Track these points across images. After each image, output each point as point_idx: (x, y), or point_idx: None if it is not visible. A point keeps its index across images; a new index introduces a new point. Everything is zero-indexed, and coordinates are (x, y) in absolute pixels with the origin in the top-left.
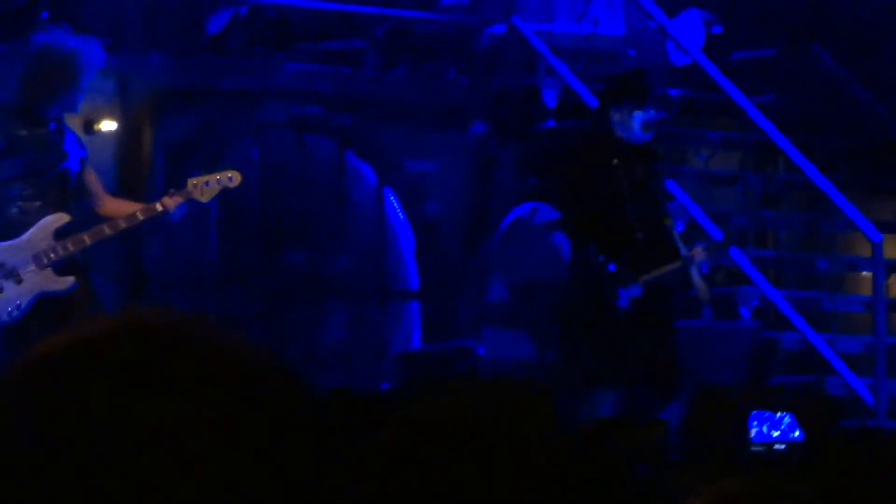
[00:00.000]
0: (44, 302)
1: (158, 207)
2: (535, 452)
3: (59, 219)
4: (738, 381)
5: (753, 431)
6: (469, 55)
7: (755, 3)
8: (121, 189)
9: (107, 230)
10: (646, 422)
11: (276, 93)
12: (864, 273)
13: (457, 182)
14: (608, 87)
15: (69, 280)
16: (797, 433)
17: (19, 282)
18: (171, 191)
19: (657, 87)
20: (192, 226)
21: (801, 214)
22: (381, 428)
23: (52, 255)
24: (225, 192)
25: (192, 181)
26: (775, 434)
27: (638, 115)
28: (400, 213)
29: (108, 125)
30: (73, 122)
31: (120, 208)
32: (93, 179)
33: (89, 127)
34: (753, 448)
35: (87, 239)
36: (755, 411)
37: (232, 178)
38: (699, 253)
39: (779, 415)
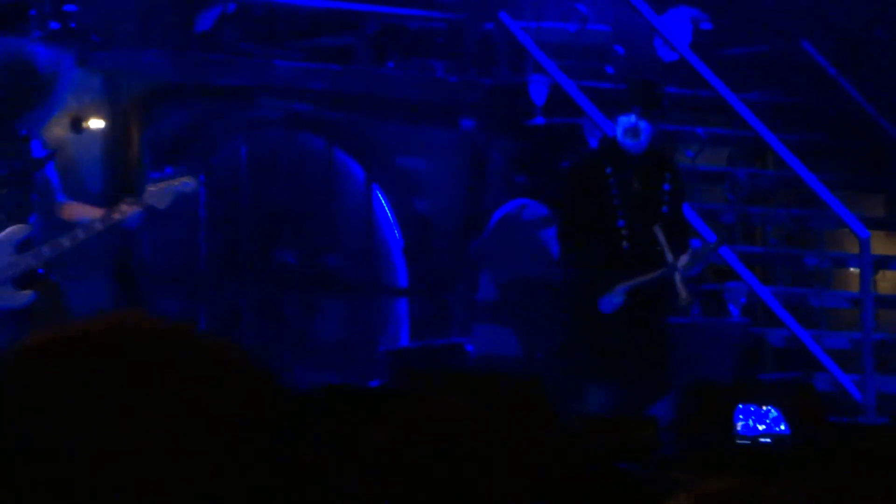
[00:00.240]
0: (10, 317)
1: (116, 215)
2: (524, 448)
3: (20, 230)
4: (727, 377)
5: (739, 425)
6: (458, 52)
7: (744, 1)
8: (109, 187)
9: (66, 242)
10: (635, 418)
11: (265, 90)
12: (852, 269)
13: (446, 179)
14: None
15: (26, 294)
16: (783, 427)
17: None
18: (128, 199)
19: (652, 97)
20: (181, 223)
21: (789, 211)
22: (370, 424)
23: (11, 270)
24: (214, 190)
25: (149, 188)
26: (761, 428)
27: (622, 119)
28: (389, 211)
29: (96, 123)
30: (60, 122)
31: (76, 213)
32: (49, 185)
33: (77, 124)
34: (739, 441)
35: (46, 252)
36: (741, 405)
37: (188, 183)
38: (684, 261)
39: (765, 409)
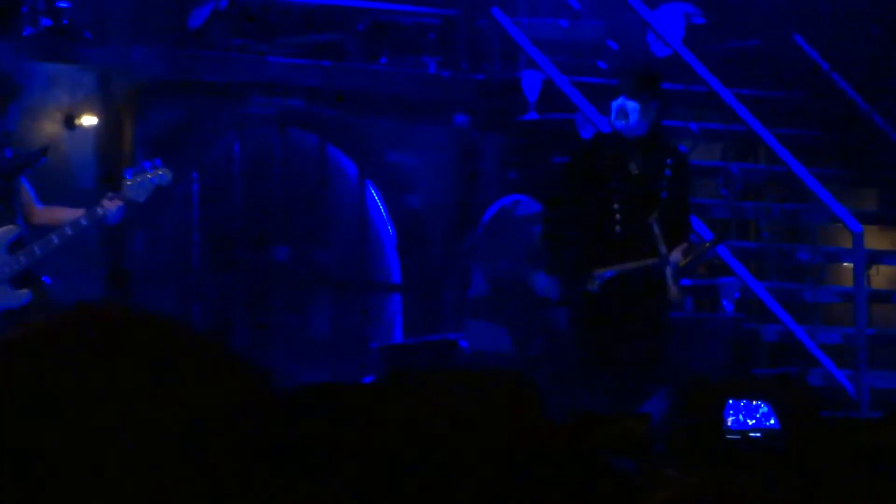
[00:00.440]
0: (6, 318)
1: (99, 211)
2: (517, 445)
3: (10, 231)
4: (720, 372)
5: (730, 420)
6: (451, 48)
7: None
8: (101, 184)
9: (55, 240)
10: (627, 413)
11: (258, 86)
12: (846, 264)
13: (439, 175)
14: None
15: (24, 293)
16: (773, 422)
17: None
18: (110, 194)
19: (640, 78)
20: (174, 219)
21: (782, 206)
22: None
23: (5, 269)
24: (207, 187)
25: (126, 182)
26: (751, 423)
27: (615, 103)
28: (382, 207)
29: (88, 119)
30: (53, 118)
31: (56, 216)
32: (26, 192)
33: (70, 121)
34: (729, 437)
35: (37, 250)
36: (731, 401)
37: (164, 175)
38: (676, 255)
39: (755, 404)
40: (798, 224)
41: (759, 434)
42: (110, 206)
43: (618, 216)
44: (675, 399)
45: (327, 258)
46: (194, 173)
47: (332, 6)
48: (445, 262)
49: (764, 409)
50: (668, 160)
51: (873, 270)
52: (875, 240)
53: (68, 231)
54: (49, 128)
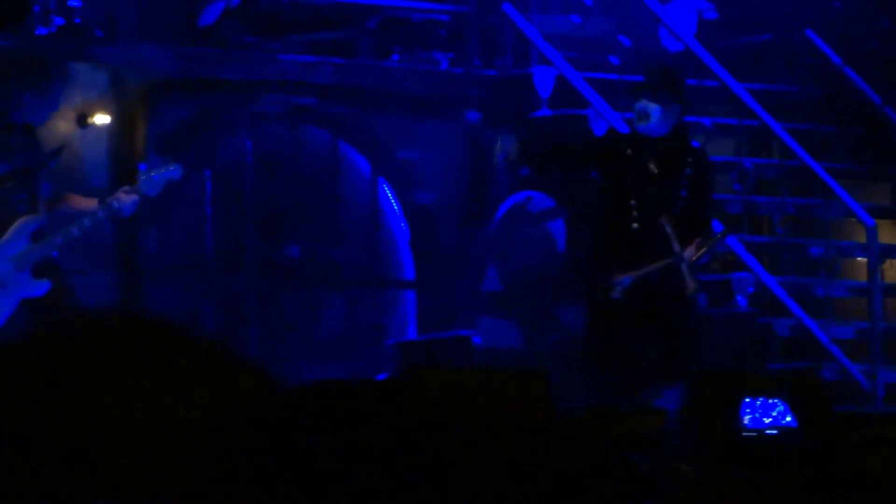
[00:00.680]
0: (24, 306)
1: (115, 204)
2: (531, 440)
3: (32, 220)
4: (734, 367)
5: (747, 418)
6: (463, 45)
7: None
8: (114, 182)
9: (75, 230)
10: (643, 410)
11: (270, 84)
12: (859, 259)
13: (452, 171)
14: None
15: (44, 282)
16: (789, 419)
17: (3, 286)
18: (125, 188)
19: (662, 79)
20: (187, 216)
21: (796, 201)
22: (378, 416)
23: (28, 258)
24: (220, 183)
25: (140, 177)
26: (767, 420)
27: (637, 105)
28: (394, 203)
29: (101, 118)
30: (66, 117)
31: (71, 204)
32: (51, 180)
33: (82, 120)
34: (745, 434)
35: (57, 240)
36: (748, 398)
37: (175, 170)
38: (691, 252)
39: (771, 401)
40: (812, 218)
41: (775, 432)
42: (125, 199)
43: (635, 214)
44: (690, 395)
45: (340, 255)
46: (207, 171)
47: (343, 3)
48: (459, 259)
49: (780, 406)
50: (689, 159)
51: (887, 264)
52: (888, 234)
53: (87, 223)
54: (62, 126)
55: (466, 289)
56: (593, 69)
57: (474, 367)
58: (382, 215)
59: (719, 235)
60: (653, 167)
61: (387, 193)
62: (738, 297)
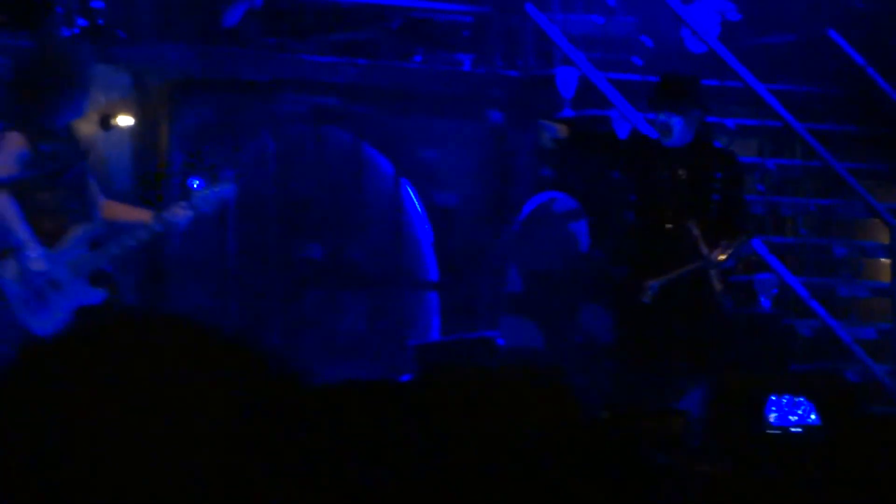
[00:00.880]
0: (80, 313)
1: (171, 219)
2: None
3: (90, 228)
4: (759, 369)
5: (772, 416)
6: (485, 45)
7: None
8: (137, 183)
9: (132, 243)
10: (667, 410)
11: (293, 84)
12: (882, 259)
13: (474, 172)
14: None
15: (100, 291)
16: (813, 417)
17: (59, 291)
18: (182, 203)
19: (679, 90)
20: (210, 217)
21: (819, 201)
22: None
23: (85, 266)
24: (242, 185)
25: (196, 193)
26: (793, 419)
27: (658, 120)
28: (417, 204)
29: (124, 119)
30: (88, 118)
31: (118, 213)
32: (93, 186)
33: (106, 121)
34: (770, 431)
35: (114, 250)
36: (773, 397)
37: (230, 188)
38: (718, 254)
39: (797, 399)
40: (835, 219)
41: (799, 430)
42: (181, 214)
43: (666, 218)
44: (713, 395)
45: (363, 256)
46: (229, 171)
47: (366, 4)
48: (481, 260)
49: (805, 405)
50: (718, 162)
51: None
52: None
53: (143, 235)
54: (84, 128)
55: (489, 290)
56: (616, 70)
57: (498, 367)
58: (405, 216)
59: (743, 237)
60: (682, 173)
61: (409, 194)
62: (762, 299)
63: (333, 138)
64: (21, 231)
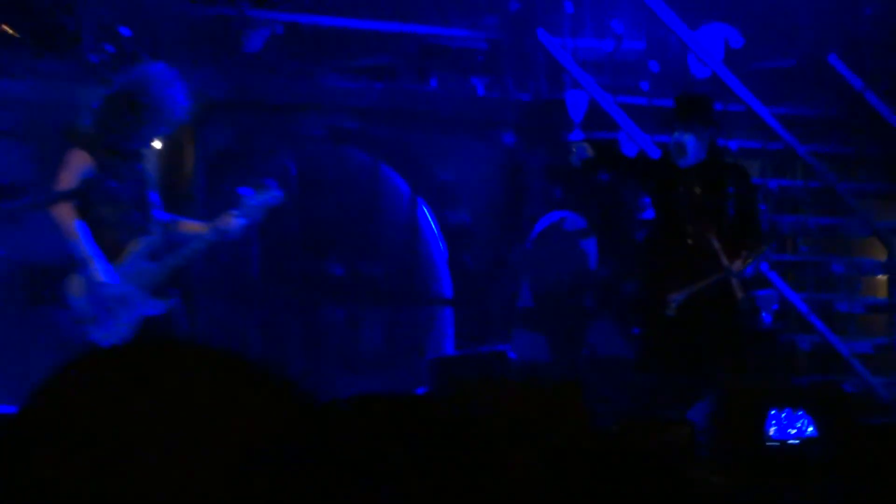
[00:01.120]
0: (145, 323)
1: (223, 228)
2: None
3: (151, 241)
4: (760, 383)
5: (772, 429)
6: (498, 70)
7: (773, 16)
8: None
9: (187, 253)
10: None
11: (313, 107)
12: (879, 276)
13: (488, 192)
14: None
15: (161, 302)
16: (811, 430)
17: (124, 304)
18: (233, 211)
19: (692, 111)
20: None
21: (819, 220)
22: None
23: (145, 277)
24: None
25: (245, 201)
26: (792, 431)
27: (673, 139)
28: (433, 223)
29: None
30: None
31: (181, 227)
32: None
33: None
34: (769, 444)
35: (172, 261)
36: (773, 409)
37: (278, 195)
38: (738, 264)
39: (796, 413)
40: (834, 237)
41: (797, 442)
42: (232, 223)
43: (689, 229)
44: (717, 407)
45: (381, 273)
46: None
47: (384, 31)
48: (494, 276)
49: (803, 418)
50: (730, 177)
51: None
52: None
53: (197, 245)
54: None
55: (502, 305)
56: (624, 94)
57: (512, 380)
58: (421, 234)
59: (764, 247)
60: (698, 190)
61: (425, 213)
62: (763, 314)
63: (352, 159)
64: (86, 247)
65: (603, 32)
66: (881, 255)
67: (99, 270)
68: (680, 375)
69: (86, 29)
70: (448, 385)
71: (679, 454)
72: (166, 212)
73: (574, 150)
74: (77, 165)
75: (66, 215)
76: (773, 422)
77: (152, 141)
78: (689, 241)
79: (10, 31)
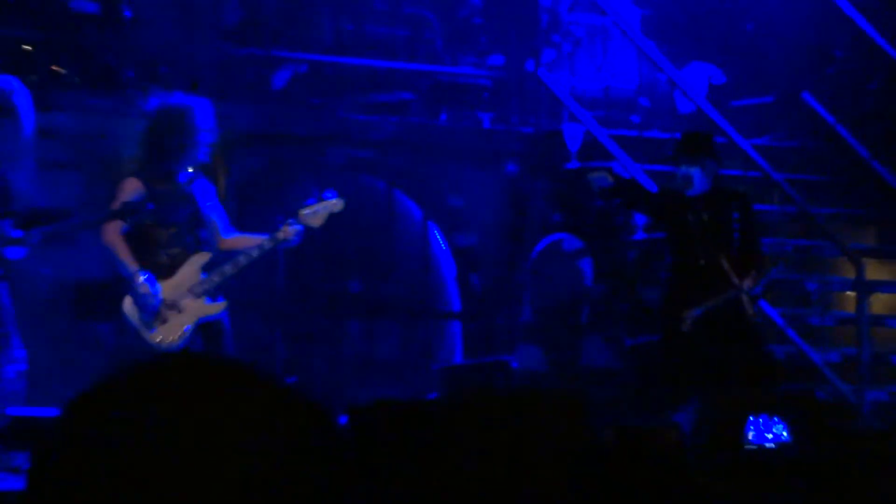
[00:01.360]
0: (202, 327)
1: (280, 236)
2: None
3: (203, 257)
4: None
5: (750, 434)
6: (502, 105)
7: (752, 57)
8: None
9: (243, 260)
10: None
11: (334, 139)
12: (848, 293)
13: (492, 216)
14: None
15: (219, 307)
16: (786, 434)
17: (181, 312)
18: (290, 220)
19: (696, 146)
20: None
21: (795, 241)
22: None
23: (203, 287)
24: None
25: (302, 211)
26: (769, 436)
27: (680, 172)
28: (443, 244)
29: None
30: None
31: (240, 243)
32: (213, 222)
33: None
34: (748, 448)
35: (227, 269)
36: (751, 416)
37: (337, 203)
38: (748, 283)
39: (773, 419)
40: (808, 257)
41: (774, 446)
42: (291, 232)
43: (700, 251)
44: (701, 412)
45: (395, 290)
46: (278, 215)
47: (399, 69)
48: (499, 293)
49: (779, 423)
50: (734, 204)
51: (874, 298)
52: (875, 271)
53: (254, 253)
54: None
55: (506, 319)
56: (617, 126)
57: (515, 389)
58: (432, 255)
59: (770, 266)
60: (706, 217)
61: (436, 235)
62: None
63: (369, 186)
64: (129, 264)
65: (598, 70)
66: (851, 274)
67: (140, 283)
68: (695, 384)
69: (129, 67)
70: (455, 392)
71: (669, 457)
72: (231, 227)
73: (594, 177)
74: (129, 191)
75: (113, 234)
76: (752, 427)
77: (191, 166)
78: (701, 262)
79: (61, 70)
